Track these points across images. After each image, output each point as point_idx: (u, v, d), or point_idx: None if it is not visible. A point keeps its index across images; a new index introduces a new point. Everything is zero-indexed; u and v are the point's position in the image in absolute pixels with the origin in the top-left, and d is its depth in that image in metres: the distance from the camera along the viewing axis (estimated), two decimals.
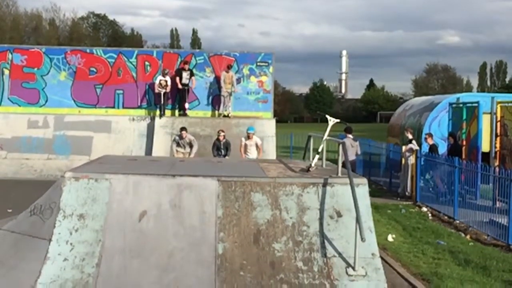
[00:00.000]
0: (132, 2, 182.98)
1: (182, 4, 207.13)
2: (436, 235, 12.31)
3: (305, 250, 7.62)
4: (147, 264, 7.38)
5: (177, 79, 20.87)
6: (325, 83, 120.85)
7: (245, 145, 16.92)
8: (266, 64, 21.89)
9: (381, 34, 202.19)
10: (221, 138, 17.35)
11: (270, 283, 7.26)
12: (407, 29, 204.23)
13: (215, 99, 21.72)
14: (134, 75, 21.66)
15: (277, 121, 21.66)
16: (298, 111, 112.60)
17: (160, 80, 20.64)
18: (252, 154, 16.90)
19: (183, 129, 17.86)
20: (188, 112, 21.21)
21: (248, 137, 16.97)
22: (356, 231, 7.34)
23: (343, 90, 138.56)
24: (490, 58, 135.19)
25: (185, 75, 20.94)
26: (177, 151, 17.63)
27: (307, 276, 7.37)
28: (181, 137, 17.71)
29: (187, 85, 20.99)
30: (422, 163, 16.54)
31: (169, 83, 20.66)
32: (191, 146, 17.52)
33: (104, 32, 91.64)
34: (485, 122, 16.53)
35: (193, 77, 21.10)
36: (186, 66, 21.07)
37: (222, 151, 17.25)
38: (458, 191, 14.24)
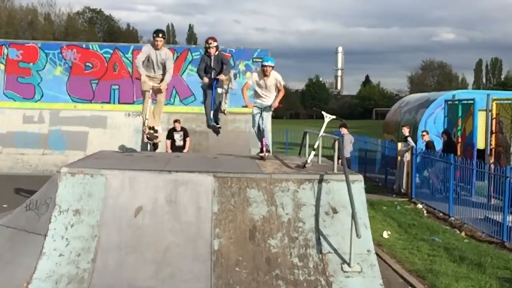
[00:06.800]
0: None
1: None
2: (431, 231, 12.34)
3: (301, 246, 7.63)
4: (143, 259, 7.38)
5: (168, 142, 17.71)
6: (321, 79, 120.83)
7: (257, 85, 11.02)
8: (262, 60, 21.83)
9: (377, 30, 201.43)
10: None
11: (266, 279, 7.27)
12: (403, 25, 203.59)
13: None
14: (130, 70, 21.55)
15: (272, 117, 21.47)
16: (294, 107, 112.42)
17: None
18: (268, 99, 11.03)
19: (159, 32, 11.24)
20: (183, 108, 20.96)
21: (264, 74, 10.90)
22: (351, 227, 7.35)
23: (339, 87, 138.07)
24: (485, 55, 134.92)
25: (177, 136, 17.74)
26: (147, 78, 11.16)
27: (302, 272, 7.38)
28: (156, 46, 11.09)
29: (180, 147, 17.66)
30: (418, 160, 16.58)
31: None
32: (164, 69, 11.32)
33: (100, 27, 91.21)
34: (480, 119, 16.56)
35: (187, 138, 17.84)
36: (178, 125, 17.86)
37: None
38: (453, 188, 14.29)
